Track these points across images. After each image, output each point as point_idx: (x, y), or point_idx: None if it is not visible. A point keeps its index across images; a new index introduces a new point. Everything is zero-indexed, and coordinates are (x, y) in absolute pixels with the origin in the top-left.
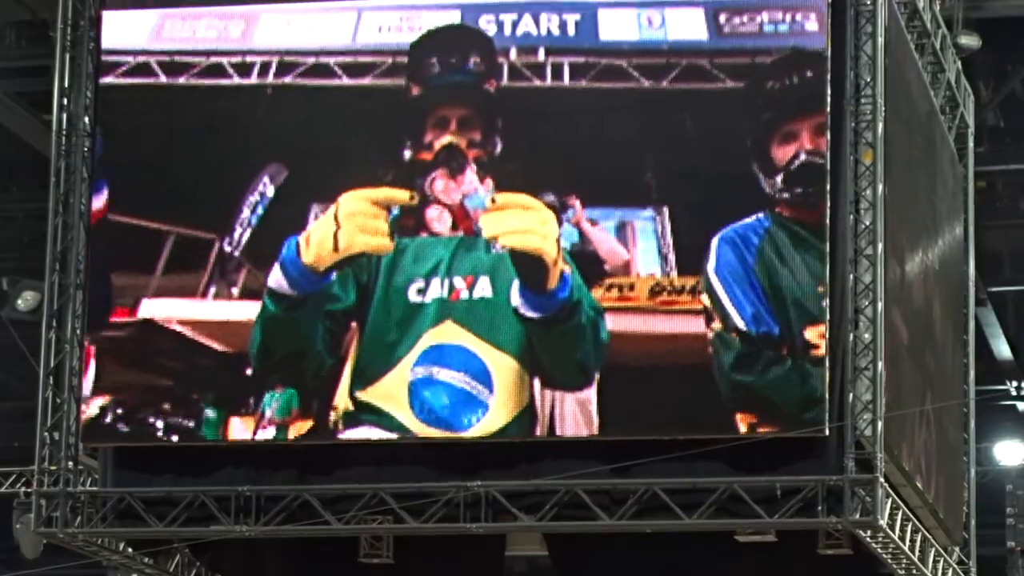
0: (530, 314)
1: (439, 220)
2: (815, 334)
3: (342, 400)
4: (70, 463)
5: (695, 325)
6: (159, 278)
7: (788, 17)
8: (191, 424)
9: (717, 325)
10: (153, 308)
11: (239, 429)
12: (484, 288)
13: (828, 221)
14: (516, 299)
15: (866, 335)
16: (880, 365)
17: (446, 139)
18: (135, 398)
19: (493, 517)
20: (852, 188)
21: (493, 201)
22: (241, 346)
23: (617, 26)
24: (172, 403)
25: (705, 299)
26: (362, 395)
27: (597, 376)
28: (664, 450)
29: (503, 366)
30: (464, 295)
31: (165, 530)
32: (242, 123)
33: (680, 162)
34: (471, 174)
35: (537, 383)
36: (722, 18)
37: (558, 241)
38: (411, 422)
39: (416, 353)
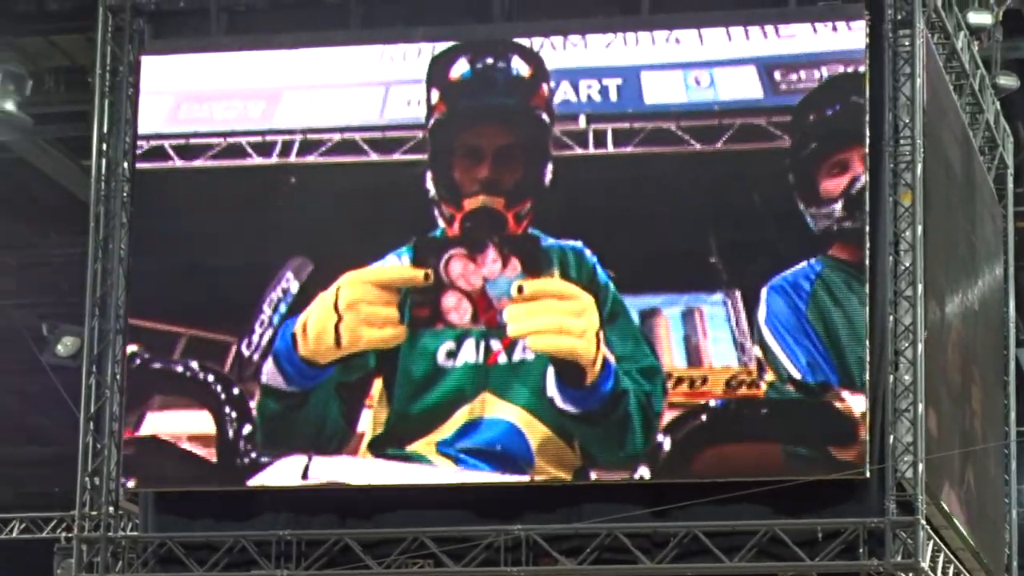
0: (568, 408)
1: (457, 310)
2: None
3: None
4: (111, 508)
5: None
6: (165, 396)
7: (841, 69)
8: None
9: (770, 376)
10: (159, 423)
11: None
12: (525, 349)
13: (868, 262)
14: (552, 390)
15: (906, 377)
16: (920, 407)
17: (479, 200)
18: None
19: (534, 561)
20: (891, 229)
21: (520, 290)
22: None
23: (662, 88)
24: None
25: (757, 351)
26: (393, 450)
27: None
28: (704, 493)
29: (543, 440)
30: (502, 359)
31: (206, 575)
32: (263, 211)
33: (745, 233)
34: (493, 252)
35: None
36: (777, 75)
37: (599, 335)
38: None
39: (451, 429)
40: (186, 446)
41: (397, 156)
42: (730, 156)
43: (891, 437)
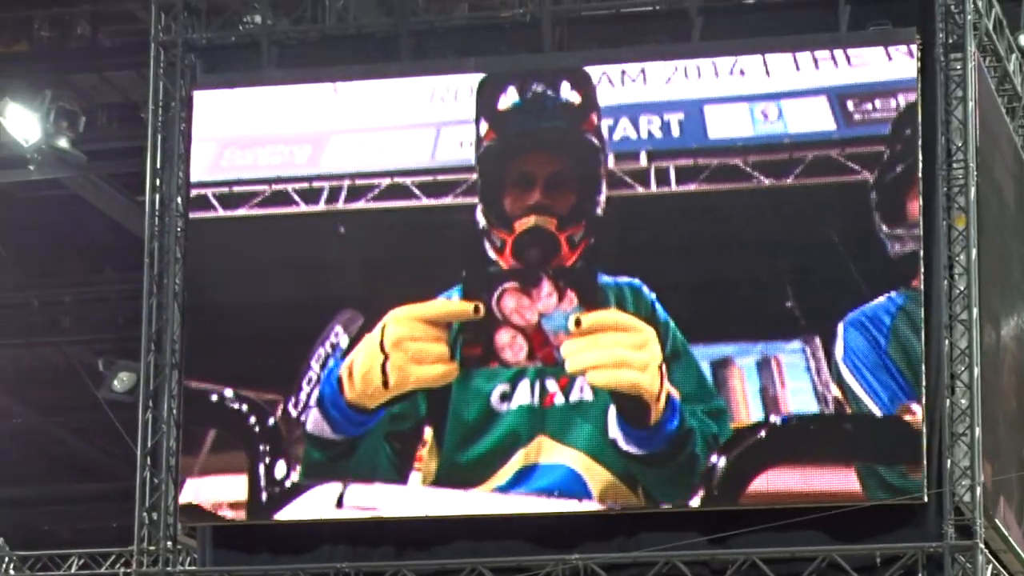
0: (632, 450)
1: (511, 347)
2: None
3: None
4: (169, 543)
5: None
6: (206, 455)
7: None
8: None
9: (850, 412)
10: (198, 491)
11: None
12: (583, 390)
13: (923, 287)
14: (614, 431)
15: (963, 401)
16: (978, 431)
17: (531, 221)
18: None
19: None
20: (945, 253)
21: (578, 323)
22: None
23: (728, 122)
24: None
25: (835, 390)
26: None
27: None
28: (762, 519)
29: (605, 485)
30: (559, 400)
31: None
32: (310, 262)
33: (822, 269)
34: (547, 285)
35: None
36: (850, 104)
37: (661, 368)
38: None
39: (507, 475)
40: (226, 513)
41: (449, 200)
42: (802, 191)
43: (948, 461)
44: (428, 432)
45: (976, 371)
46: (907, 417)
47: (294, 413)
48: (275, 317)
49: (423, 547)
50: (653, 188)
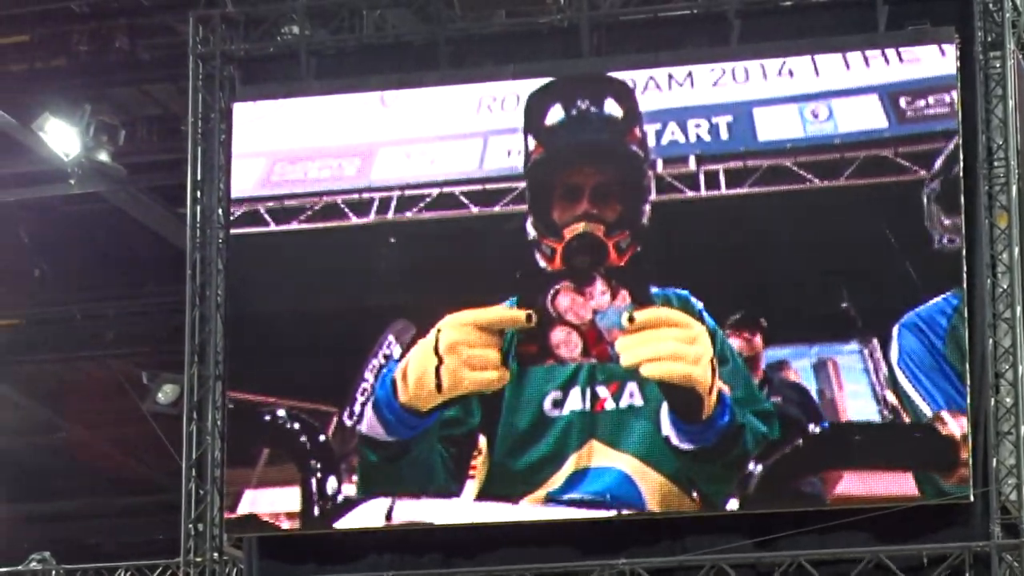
0: (685, 446)
1: (567, 344)
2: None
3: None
4: (215, 554)
5: None
6: (262, 468)
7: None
8: None
9: (906, 419)
10: (255, 501)
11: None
12: (633, 395)
13: (965, 286)
14: (667, 427)
15: (1007, 399)
16: (1023, 429)
17: (579, 227)
18: None
19: None
20: (988, 252)
21: (631, 320)
22: None
23: (777, 124)
24: None
25: (891, 396)
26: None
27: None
28: (809, 521)
29: (657, 488)
30: (609, 405)
31: None
32: (361, 273)
33: (877, 270)
34: (601, 284)
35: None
36: (903, 102)
37: (713, 363)
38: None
39: (559, 480)
40: (282, 523)
41: (498, 209)
42: (854, 191)
43: (994, 460)
44: (482, 440)
45: (1020, 369)
46: (959, 420)
47: (349, 423)
48: (326, 328)
49: (469, 555)
50: (703, 192)
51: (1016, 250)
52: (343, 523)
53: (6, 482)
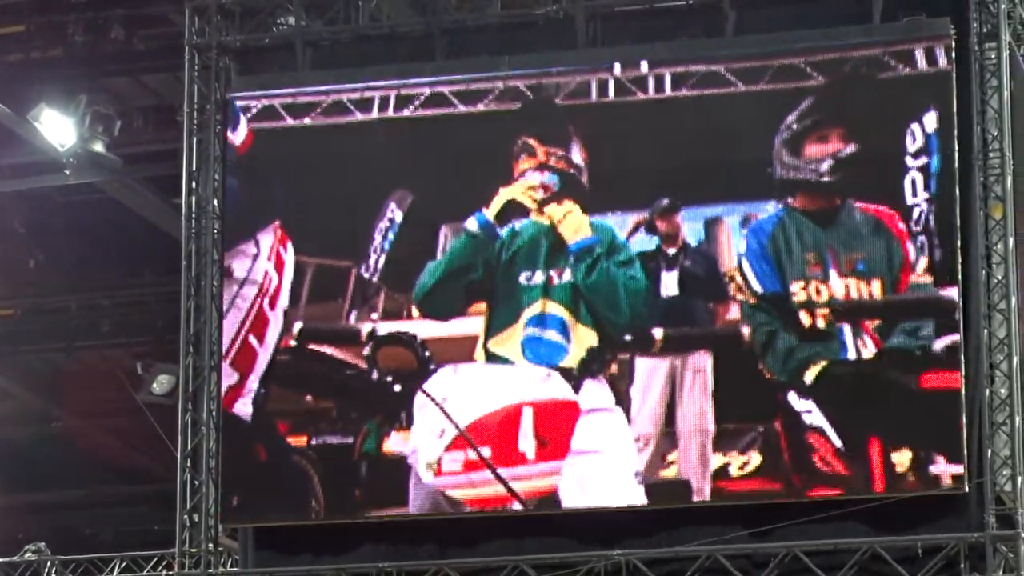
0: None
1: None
2: None
3: (479, 353)
4: (211, 545)
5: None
6: (304, 308)
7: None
8: (350, 440)
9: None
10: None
11: (397, 442)
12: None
13: (960, 277)
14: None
15: (1002, 390)
16: (1018, 420)
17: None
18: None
19: None
20: (983, 243)
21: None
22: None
23: None
24: (332, 421)
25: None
26: (492, 345)
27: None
28: (804, 512)
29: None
30: (556, 282)
31: None
32: (364, 157)
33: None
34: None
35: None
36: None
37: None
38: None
39: (527, 317)
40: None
41: (482, 107)
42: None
43: (989, 451)
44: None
45: (1015, 360)
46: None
47: (366, 275)
48: (337, 202)
49: (465, 545)
50: (652, 94)
51: (1011, 241)
52: None
53: (2, 472)
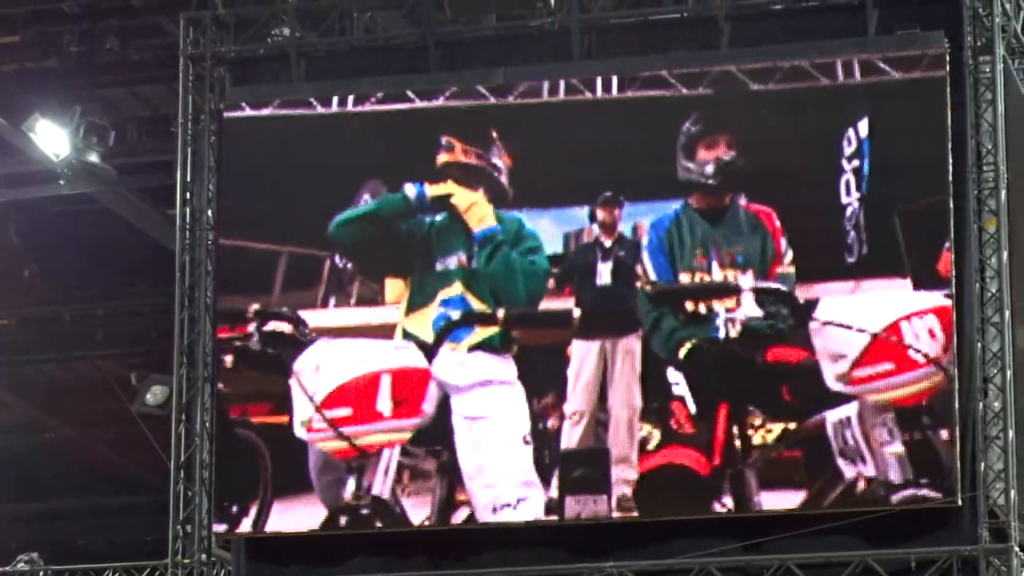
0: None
1: None
2: None
3: (399, 332)
4: (204, 556)
5: None
6: (278, 296)
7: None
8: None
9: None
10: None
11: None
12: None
13: (955, 290)
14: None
15: (995, 403)
16: (1011, 433)
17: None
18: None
19: None
20: (977, 256)
21: None
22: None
23: None
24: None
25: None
26: (407, 321)
27: None
28: (796, 525)
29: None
30: (464, 266)
31: None
32: (339, 149)
33: None
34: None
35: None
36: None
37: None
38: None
39: (440, 298)
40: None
41: (440, 102)
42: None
43: (982, 464)
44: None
45: (1009, 374)
46: None
47: (340, 264)
48: (312, 190)
49: (458, 557)
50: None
51: (1005, 254)
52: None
53: None
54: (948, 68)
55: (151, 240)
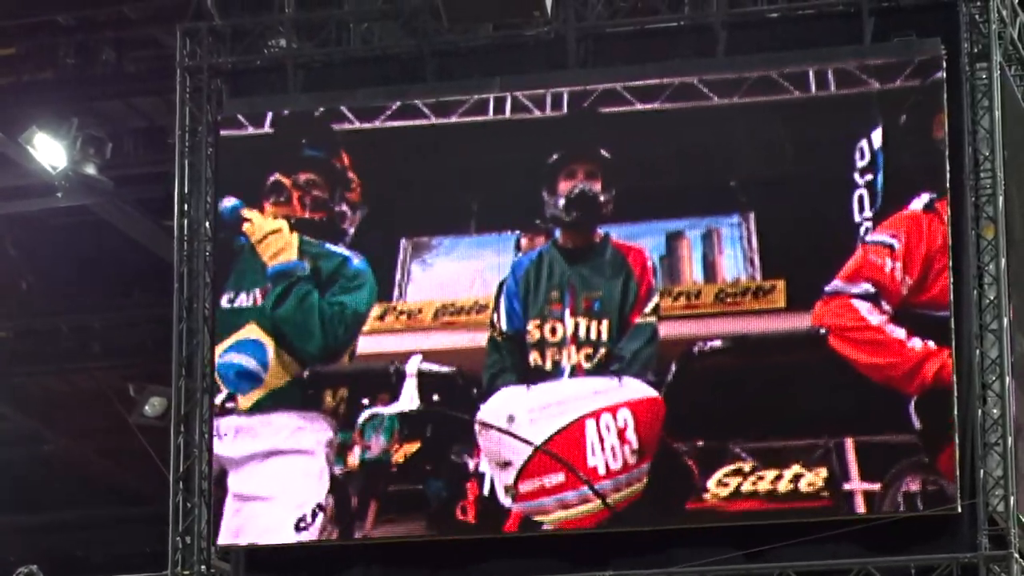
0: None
1: None
2: None
3: None
4: (203, 567)
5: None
6: None
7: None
8: None
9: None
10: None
11: None
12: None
13: (952, 297)
14: None
15: (994, 410)
16: (1010, 440)
17: None
18: None
19: None
20: (975, 263)
21: None
22: None
23: None
24: None
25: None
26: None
27: None
28: (796, 533)
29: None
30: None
31: None
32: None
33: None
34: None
35: None
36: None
37: None
38: None
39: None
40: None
41: (454, 119)
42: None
43: (981, 471)
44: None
45: (1008, 380)
46: None
47: None
48: None
49: (458, 567)
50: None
51: (1003, 261)
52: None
53: None
54: (945, 75)
55: (148, 252)
